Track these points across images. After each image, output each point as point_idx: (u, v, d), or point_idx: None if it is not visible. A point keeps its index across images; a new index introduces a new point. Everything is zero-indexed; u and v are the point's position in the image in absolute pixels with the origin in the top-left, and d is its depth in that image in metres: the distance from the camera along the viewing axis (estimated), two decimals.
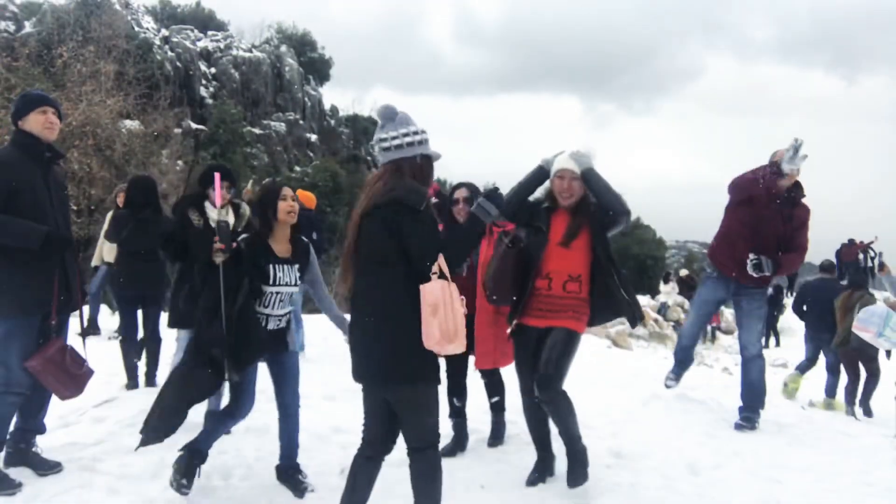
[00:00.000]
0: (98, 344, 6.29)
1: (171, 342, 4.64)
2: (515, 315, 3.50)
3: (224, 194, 3.67)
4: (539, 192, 3.61)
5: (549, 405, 3.34)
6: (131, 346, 5.14)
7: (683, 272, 20.22)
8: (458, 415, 4.03)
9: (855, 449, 4.49)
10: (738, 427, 4.66)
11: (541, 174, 3.52)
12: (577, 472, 3.36)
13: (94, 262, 7.40)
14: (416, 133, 2.58)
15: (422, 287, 2.43)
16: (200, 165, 20.83)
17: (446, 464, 3.40)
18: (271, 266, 3.11)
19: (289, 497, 3.27)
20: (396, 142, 2.55)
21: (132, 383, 5.09)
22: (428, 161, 2.64)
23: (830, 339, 7.17)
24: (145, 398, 4.38)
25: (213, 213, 3.68)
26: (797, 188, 4.59)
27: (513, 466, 3.78)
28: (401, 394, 2.55)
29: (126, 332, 5.18)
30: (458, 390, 4.01)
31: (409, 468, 2.59)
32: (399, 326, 2.46)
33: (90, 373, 3.33)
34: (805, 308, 7.71)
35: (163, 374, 4.69)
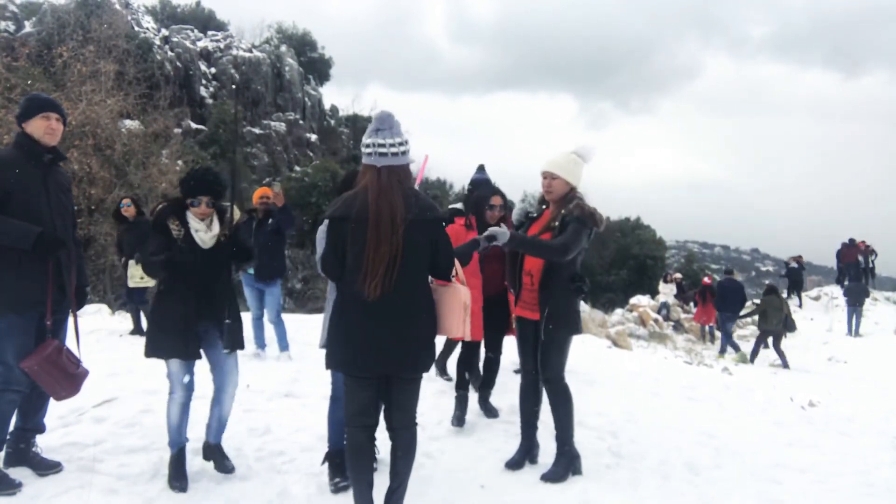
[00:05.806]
0: (98, 344, 6.30)
1: None
2: (515, 307, 3.72)
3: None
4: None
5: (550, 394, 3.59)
6: (133, 309, 7.14)
7: (677, 276, 20.14)
8: (464, 388, 4.39)
9: (855, 449, 4.49)
10: None
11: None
12: (556, 470, 3.52)
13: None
14: (407, 142, 2.78)
15: (455, 287, 2.87)
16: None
17: (445, 456, 3.37)
18: None
19: (290, 497, 3.27)
20: (394, 150, 2.71)
21: (136, 329, 6.89)
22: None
23: (737, 317, 13.03)
24: (145, 398, 4.38)
25: (194, 223, 3.25)
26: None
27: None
28: (418, 379, 2.85)
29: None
30: (469, 367, 4.40)
31: (395, 445, 2.84)
32: (431, 322, 2.82)
33: (86, 373, 3.33)
34: (724, 301, 12.80)
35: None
